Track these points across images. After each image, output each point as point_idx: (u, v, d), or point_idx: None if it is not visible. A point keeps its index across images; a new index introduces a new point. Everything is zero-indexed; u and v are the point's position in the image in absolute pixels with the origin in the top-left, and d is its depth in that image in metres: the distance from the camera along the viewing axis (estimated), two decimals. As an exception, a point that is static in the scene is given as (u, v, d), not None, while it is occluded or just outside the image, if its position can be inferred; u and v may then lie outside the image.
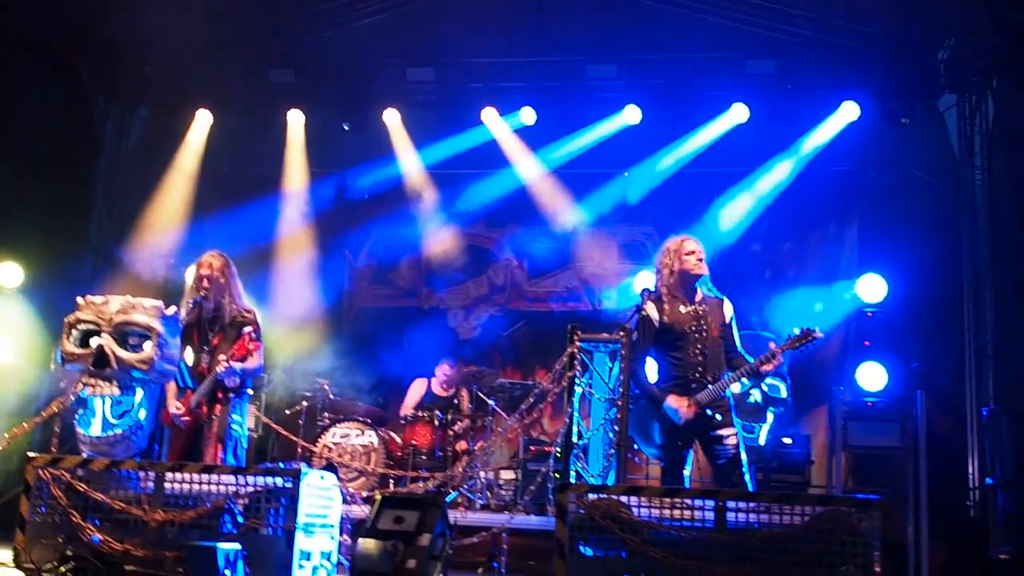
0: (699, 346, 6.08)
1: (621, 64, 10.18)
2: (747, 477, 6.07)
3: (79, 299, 6.10)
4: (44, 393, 8.63)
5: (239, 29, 10.48)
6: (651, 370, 6.18)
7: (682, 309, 6.14)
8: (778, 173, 10.36)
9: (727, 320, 6.21)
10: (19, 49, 9.84)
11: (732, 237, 10.46)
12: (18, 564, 5.31)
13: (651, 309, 6.14)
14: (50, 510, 5.52)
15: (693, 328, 6.10)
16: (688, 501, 5.36)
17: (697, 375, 6.03)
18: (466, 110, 10.81)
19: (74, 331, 5.99)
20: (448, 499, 8.50)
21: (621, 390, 6.00)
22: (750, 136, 10.22)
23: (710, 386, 5.98)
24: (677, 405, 5.95)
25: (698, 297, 6.21)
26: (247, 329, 6.57)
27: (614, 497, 5.49)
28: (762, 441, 9.00)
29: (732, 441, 6.02)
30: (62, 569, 4.98)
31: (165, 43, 10.04)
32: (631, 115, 10.42)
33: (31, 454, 5.75)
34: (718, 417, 6.01)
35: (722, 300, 6.28)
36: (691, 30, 10.00)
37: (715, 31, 10.02)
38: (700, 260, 6.22)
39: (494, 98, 10.72)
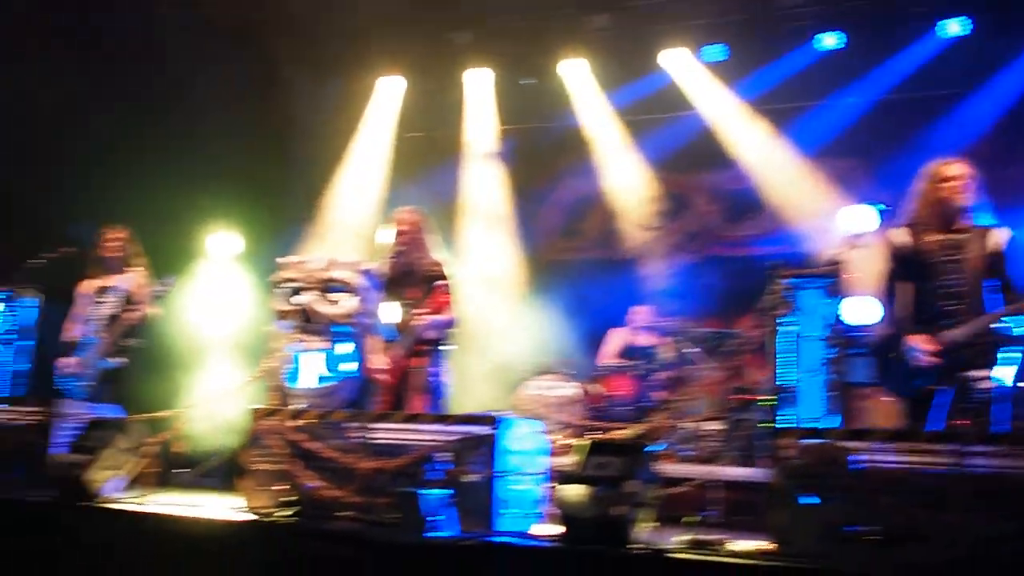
0: (952, 277, 5.51)
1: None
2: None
3: (281, 260, 6.30)
4: (260, 352, 9.08)
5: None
6: (899, 303, 5.66)
7: (934, 238, 5.57)
8: (998, 93, 9.55)
9: (995, 250, 5.55)
10: (210, 35, 10.26)
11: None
12: (246, 510, 5.57)
13: (896, 236, 5.62)
14: (271, 459, 5.72)
15: (945, 258, 5.52)
16: (923, 445, 4.99)
17: (947, 310, 5.48)
18: (649, 52, 10.56)
19: (281, 290, 6.20)
20: (653, 449, 8.36)
21: (837, 327, 5.68)
22: (966, 54, 9.50)
23: (962, 324, 5.44)
24: (919, 344, 5.45)
25: (958, 225, 5.61)
26: (440, 282, 6.65)
27: (836, 442, 5.20)
28: (1009, 383, 8.32)
29: (984, 385, 5.45)
30: (284, 514, 5.16)
31: (347, 14, 10.23)
32: (828, 42, 9.90)
33: (251, 407, 5.96)
34: (971, 357, 5.46)
35: (989, 229, 5.62)
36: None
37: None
38: (961, 188, 5.58)
39: (678, 37, 10.41)
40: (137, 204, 9.27)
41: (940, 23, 9.53)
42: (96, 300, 7.68)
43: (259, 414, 5.89)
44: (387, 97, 11.48)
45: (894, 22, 9.61)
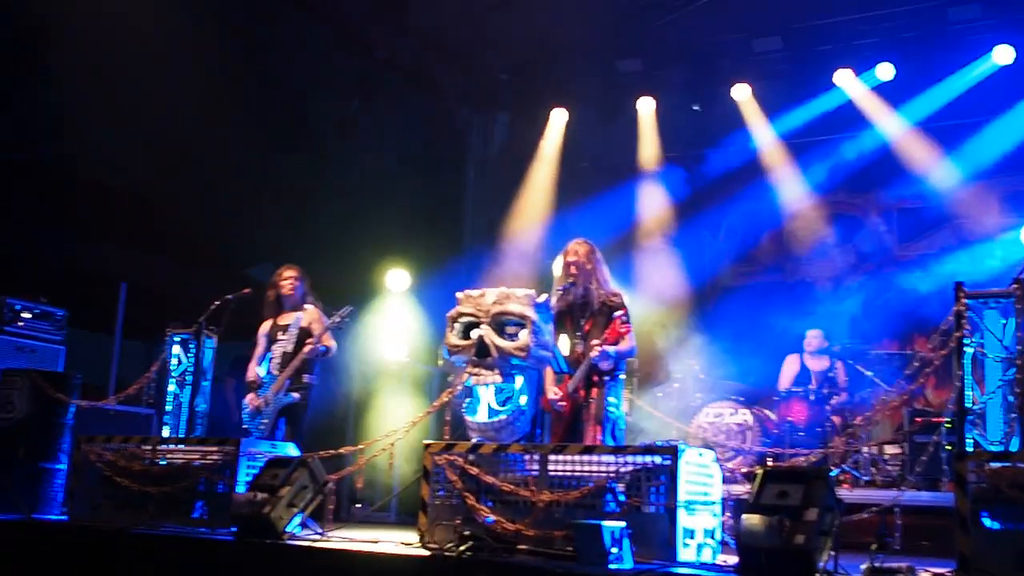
0: None
1: (985, 3, 9.38)
2: None
3: (458, 294, 6.47)
4: (435, 385, 9.33)
5: (584, 26, 10.73)
6: None
7: None
8: None
9: None
10: (387, 72, 10.68)
11: None
12: (423, 544, 5.69)
13: None
14: (447, 493, 5.85)
15: None
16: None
17: None
18: (818, 74, 10.46)
19: (456, 325, 6.35)
20: (831, 474, 8.21)
21: (1020, 348, 5.51)
22: None
23: None
24: None
25: None
26: (618, 313, 6.68)
27: (1021, 465, 5.05)
28: None
29: None
30: (461, 548, 5.23)
31: (516, 48, 10.49)
32: (1001, 56, 9.57)
33: (427, 442, 6.15)
34: None
35: None
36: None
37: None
38: None
39: (847, 58, 10.27)
40: (314, 243, 9.67)
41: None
42: (274, 338, 7.93)
43: (435, 448, 6.03)
44: (556, 128, 11.66)
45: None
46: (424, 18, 10.50)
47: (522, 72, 11.38)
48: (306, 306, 8.01)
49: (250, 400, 7.84)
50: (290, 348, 7.84)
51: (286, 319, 7.99)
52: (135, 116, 9.10)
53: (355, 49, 10.59)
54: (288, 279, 8.06)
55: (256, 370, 7.92)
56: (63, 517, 7.03)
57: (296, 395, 7.78)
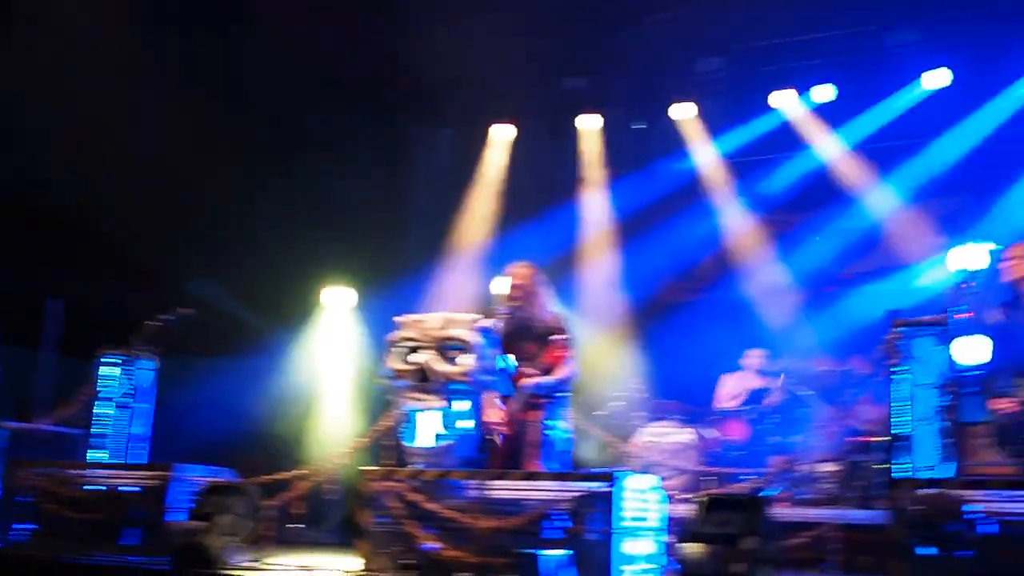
0: None
1: (922, 27, 9.58)
2: None
3: (399, 318, 6.45)
4: (376, 410, 9.25)
5: (529, 43, 10.76)
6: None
7: None
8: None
9: None
10: (331, 86, 10.60)
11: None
12: (364, 572, 5.66)
13: None
14: (388, 520, 5.82)
15: None
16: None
17: None
18: (759, 95, 10.59)
19: (397, 349, 6.34)
20: (768, 494, 8.31)
21: (952, 375, 5.66)
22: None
23: None
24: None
25: None
26: (558, 336, 6.71)
27: (952, 491, 5.16)
28: None
29: None
30: (403, 574, 5.22)
31: (461, 65, 10.47)
32: (936, 80, 9.78)
33: (366, 468, 6.11)
34: None
35: None
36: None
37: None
38: None
39: (788, 79, 10.43)
40: (254, 258, 9.54)
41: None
42: None
43: (376, 474, 6.01)
44: (501, 144, 11.65)
45: (1002, 57, 9.44)
46: (370, 32, 10.44)
47: (467, 88, 11.34)
48: None
49: None
50: None
51: None
52: (69, 131, 8.94)
53: (298, 62, 10.48)
54: None
55: None
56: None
57: None
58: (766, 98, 10.58)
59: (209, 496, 6.10)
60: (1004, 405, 6.07)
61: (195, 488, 6.35)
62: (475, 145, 11.72)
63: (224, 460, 7.43)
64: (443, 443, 6.11)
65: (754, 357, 9.98)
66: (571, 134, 11.47)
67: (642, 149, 11.51)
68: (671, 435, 9.58)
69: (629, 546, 5.53)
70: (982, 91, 9.79)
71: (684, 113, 10.97)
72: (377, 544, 5.81)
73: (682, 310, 11.61)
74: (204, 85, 9.77)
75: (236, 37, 9.87)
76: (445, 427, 6.16)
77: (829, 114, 10.57)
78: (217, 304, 8.77)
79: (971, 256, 8.41)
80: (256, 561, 6.05)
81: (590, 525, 5.50)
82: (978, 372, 7.27)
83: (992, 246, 8.96)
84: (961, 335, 6.08)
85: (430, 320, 6.34)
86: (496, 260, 10.77)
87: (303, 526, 8.20)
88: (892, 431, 5.88)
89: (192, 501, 6.18)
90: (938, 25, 9.61)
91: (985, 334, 5.95)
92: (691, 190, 11.35)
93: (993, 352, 6.13)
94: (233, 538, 5.89)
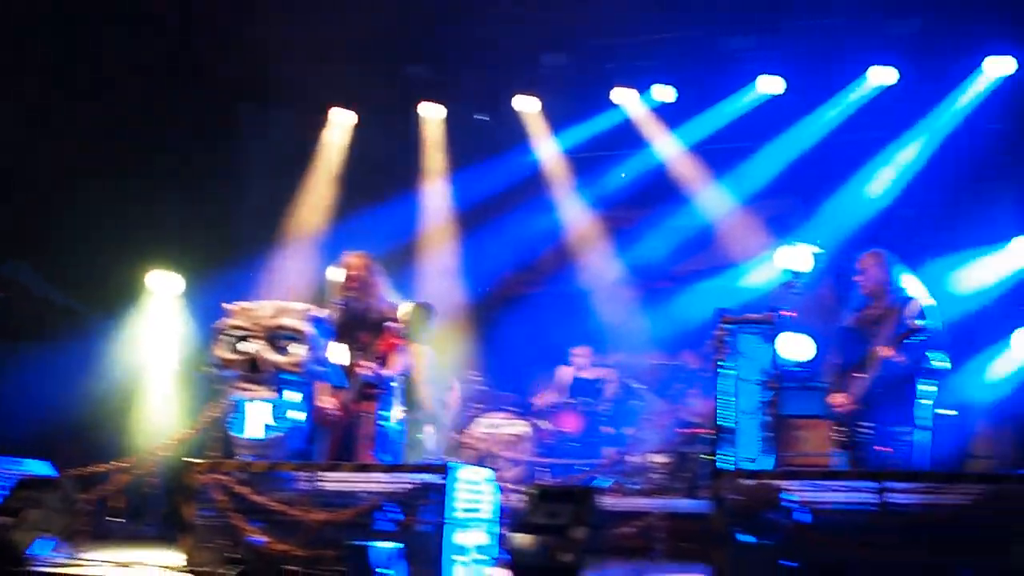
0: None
1: (759, 34, 9.89)
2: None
3: (229, 306, 6.26)
4: (202, 400, 8.94)
5: (373, 27, 10.58)
6: None
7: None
8: (928, 135, 9.90)
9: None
10: (164, 61, 10.17)
11: (882, 203, 10.12)
12: (188, 567, 5.49)
13: None
14: (214, 514, 5.67)
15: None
16: (849, 484, 5.20)
17: None
18: (602, 92, 10.69)
19: (226, 337, 6.16)
20: (600, 484, 8.46)
21: (774, 371, 5.89)
22: (896, 99, 9.81)
23: None
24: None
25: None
26: (393, 327, 6.67)
27: (770, 482, 5.36)
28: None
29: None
30: (227, 571, 5.09)
31: (300, 46, 10.21)
32: (771, 86, 10.12)
33: (192, 460, 5.92)
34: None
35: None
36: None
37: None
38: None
39: (629, 78, 10.58)
40: (74, 241, 9.05)
41: (871, 69, 9.81)
42: None
43: (202, 466, 5.84)
44: (340, 131, 11.40)
45: (833, 68, 9.85)
46: (205, 9, 10.07)
47: (304, 70, 11.04)
48: None
49: None
50: None
51: None
52: None
53: (126, 35, 9.99)
54: None
55: None
56: None
57: None
58: (608, 96, 10.71)
59: (19, 490, 5.81)
60: (839, 401, 6.42)
61: (5, 481, 6.02)
62: (314, 129, 11.42)
63: (39, 452, 7.10)
64: (273, 435, 5.99)
65: (582, 357, 10.14)
66: (413, 122, 11.34)
67: (484, 141, 11.49)
68: (506, 426, 9.64)
69: (461, 537, 5.54)
70: (813, 98, 10.15)
71: (527, 107, 11.01)
72: (201, 538, 5.65)
73: (520, 303, 11.70)
74: (24, 61, 9.27)
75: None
76: (275, 418, 6.04)
77: (668, 114, 10.76)
78: (31, 287, 8.28)
79: (796, 257, 8.88)
80: (70, 557, 5.78)
81: (422, 517, 5.48)
82: (800, 369, 7.66)
83: (816, 248, 9.47)
84: (785, 332, 6.35)
85: (261, 308, 6.20)
86: (332, 248, 10.54)
87: (123, 520, 7.90)
88: (717, 424, 6.07)
89: (4, 496, 5.86)
90: (773, 32, 9.88)
91: (807, 333, 6.24)
92: (532, 184, 11.41)
93: (820, 350, 6.47)
94: (44, 533, 5.61)
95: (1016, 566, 4.76)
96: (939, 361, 8.67)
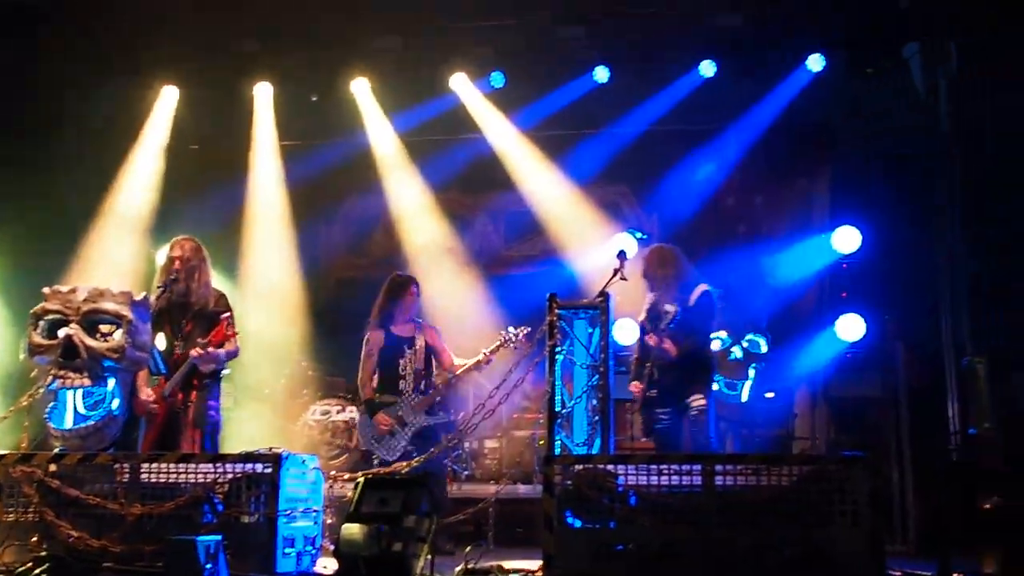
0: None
1: (589, 24, 10.03)
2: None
3: (45, 289, 5.99)
4: (13, 387, 8.47)
5: (203, 1, 10.18)
6: None
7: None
8: (748, 128, 10.26)
9: None
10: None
11: (705, 194, 10.45)
12: (-5, 566, 5.21)
13: None
14: (23, 509, 5.41)
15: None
16: (675, 467, 5.36)
17: None
18: (435, 76, 10.64)
19: (41, 322, 5.89)
20: (433, 472, 8.44)
21: (603, 356, 5.99)
22: (719, 92, 10.11)
23: None
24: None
25: None
26: (225, 315, 6.52)
27: (600, 467, 5.46)
28: (744, 398, 9.06)
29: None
30: (37, 570, 4.86)
31: (125, 15, 9.75)
32: (601, 75, 10.28)
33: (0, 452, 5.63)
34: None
35: None
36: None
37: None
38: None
39: (463, 63, 10.56)
40: None
41: (699, 62, 10.09)
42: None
43: (9, 460, 5.56)
44: (166, 107, 10.93)
45: (659, 60, 10.09)
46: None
47: (130, 40, 10.51)
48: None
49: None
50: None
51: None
52: None
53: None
54: None
55: None
56: None
57: None
58: (442, 80, 10.67)
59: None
60: (636, 388, 7.08)
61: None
62: (141, 105, 10.94)
63: None
64: (89, 424, 5.74)
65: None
66: (244, 101, 11.02)
67: (317, 121, 11.26)
68: (338, 413, 9.52)
69: (288, 528, 5.44)
70: (643, 87, 10.35)
71: (360, 88, 10.85)
72: (9, 535, 5.36)
73: (353, 286, 11.53)
74: None
75: None
76: (92, 406, 5.79)
77: (501, 100, 10.80)
78: None
79: (626, 243, 9.15)
80: None
81: (249, 508, 5.36)
82: (626, 353, 7.88)
83: (642, 235, 9.74)
84: (615, 318, 6.49)
85: (79, 292, 5.93)
86: (157, 231, 10.24)
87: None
88: (550, 409, 6.14)
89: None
90: (603, 22, 10.05)
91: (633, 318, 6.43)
92: (365, 165, 11.26)
93: (642, 339, 6.70)
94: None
95: (835, 544, 5.01)
96: (756, 344, 9.16)
